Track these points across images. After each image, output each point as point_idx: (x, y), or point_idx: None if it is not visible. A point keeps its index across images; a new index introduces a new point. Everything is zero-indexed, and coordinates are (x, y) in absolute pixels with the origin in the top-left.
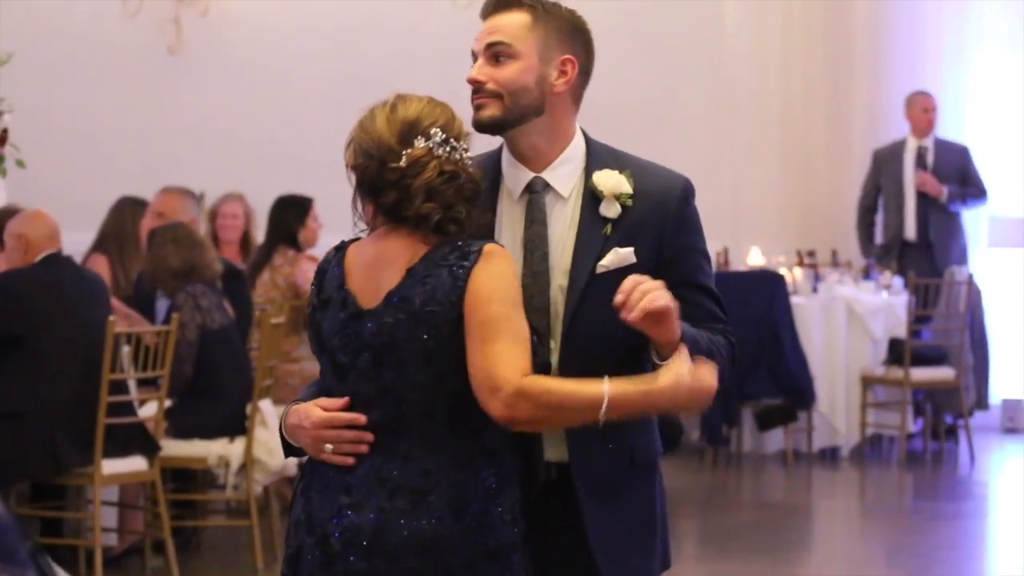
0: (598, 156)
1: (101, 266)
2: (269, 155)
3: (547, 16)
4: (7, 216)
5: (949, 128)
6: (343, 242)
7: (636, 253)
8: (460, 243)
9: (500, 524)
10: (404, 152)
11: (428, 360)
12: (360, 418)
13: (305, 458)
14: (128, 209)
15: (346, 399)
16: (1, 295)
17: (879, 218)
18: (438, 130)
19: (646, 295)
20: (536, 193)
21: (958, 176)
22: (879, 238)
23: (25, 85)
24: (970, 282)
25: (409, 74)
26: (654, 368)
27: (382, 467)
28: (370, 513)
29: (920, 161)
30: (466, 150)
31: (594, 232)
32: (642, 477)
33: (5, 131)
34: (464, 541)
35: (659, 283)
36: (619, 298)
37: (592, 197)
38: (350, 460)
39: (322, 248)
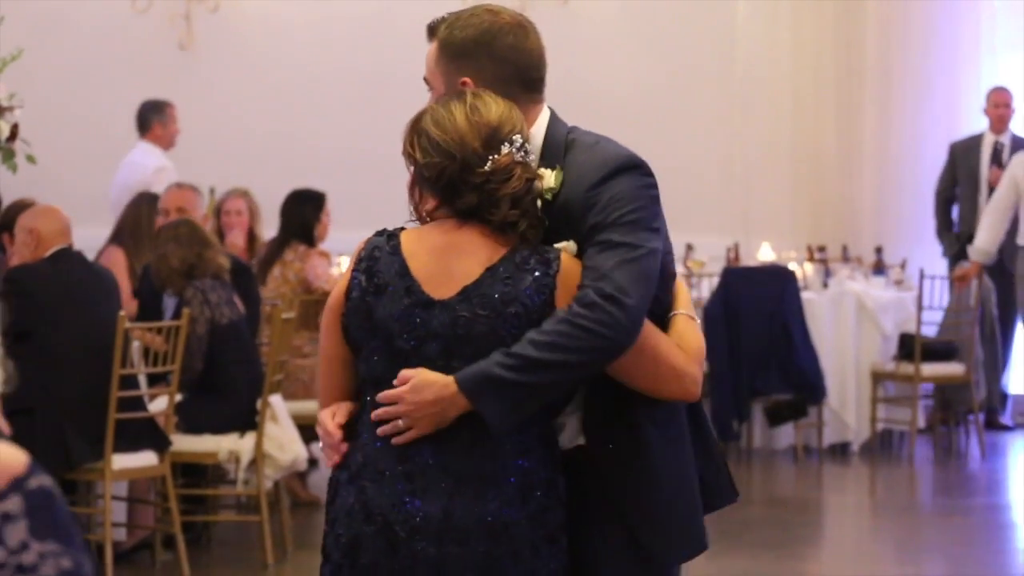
0: (551, 152)
1: (118, 258)
2: (279, 150)
3: (448, 40)
4: (20, 209)
5: (960, 128)
6: (387, 230)
7: (573, 238)
8: (537, 248)
9: (557, 508)
10: (490, 157)
11: None
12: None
13: (346, 453)
14: (146, 205)
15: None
16: (11, 290)
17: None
18: (518, 136)
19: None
20: None
21: None
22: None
23: (36, 81)
24: (980, 276)
25: (419, 70)
26: None
27: (445, 455)
28: (437, 500)
29: (995, 157)
30: (532, 155)
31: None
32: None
33: (16, 126)
34: (530, 525)
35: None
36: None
37: None
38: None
39: (332, 242)
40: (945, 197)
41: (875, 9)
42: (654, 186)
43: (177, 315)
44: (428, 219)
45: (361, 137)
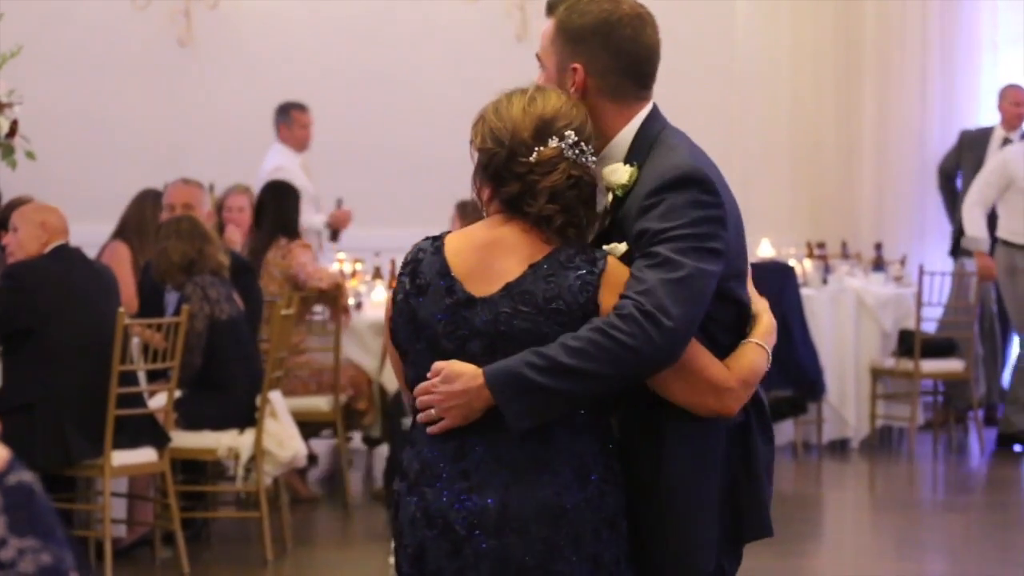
0: (638, 148)
1: (122, 254)
2: None
3: (566, 23)
4: (18, 207)
5: (960, 124)
6: (437, 235)
7: (627, 242)
8: (584, 248)
9: (615, 492)
10: (536, 148)
11: None
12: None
13: (403, 461)
14: (150, 201)
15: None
16: (12, 287)
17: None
18: (572, 132)
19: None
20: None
21: None
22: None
23: (35, 77)
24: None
25: (420, 67)
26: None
27: (498, 446)
28: (493, 492)
29: None
30: (593, 154)
31: (602, 225)
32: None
33: (15, 123)
34: (589, 509)
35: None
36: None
37: None
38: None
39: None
40: (948, 174)
41: (874, 5)
42: (716, 205)
43: (179, 311)
44: (486, 209)
45: (359, 135)
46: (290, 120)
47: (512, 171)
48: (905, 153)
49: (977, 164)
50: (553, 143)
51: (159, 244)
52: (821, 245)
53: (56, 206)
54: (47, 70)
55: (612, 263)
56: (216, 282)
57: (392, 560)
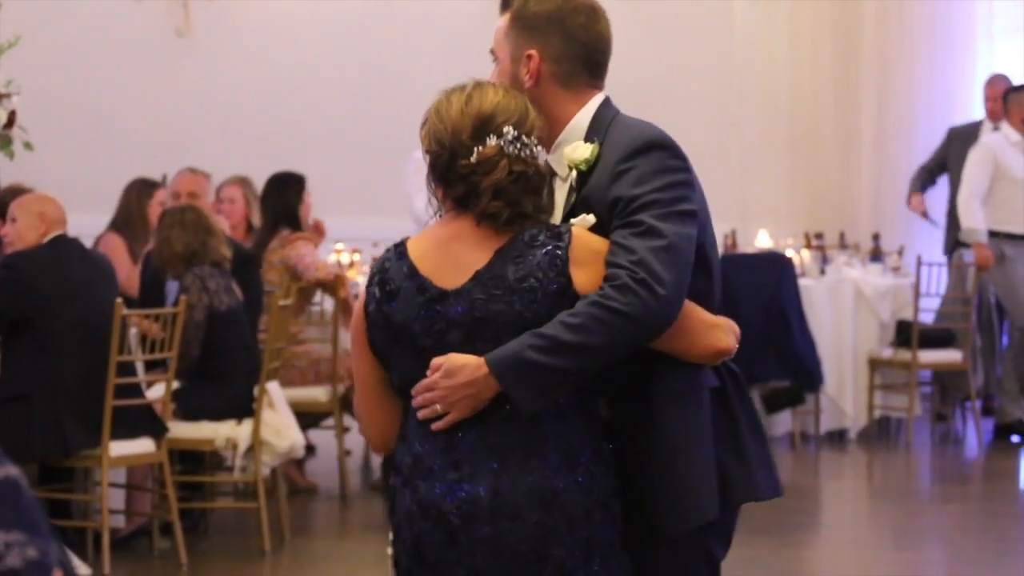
0: (594, 130)
1: (117, 244)
2: (276, 137)
3: (522, 12)
4: (15, 194)
5: (957, 115)
6: (398, 242)
7: (596, 214)
8: (548, 226)
9: (606, 474)
10: (476, 148)
11: (524, 331)
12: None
13: (396, 456)
14: (135, 191)
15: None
16: (10, 277)
17: (945, 196)
18: (510, 128)
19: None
20: (552, 176)
21: None
22: (939, 216)
23: (33, 67)
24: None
25: (417, 59)
26: None
27: (487, 435)
28: (484, 480)
29: None
30: (536, 144)
31: (568, 203)
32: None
33: (13, 113)
34: (580, 491)
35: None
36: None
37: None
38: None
39: (327, 228)
40: (929, 168)
41: None
42: (686, 169)
43: (178, 301)
44: (440, 208)
45: (357, 125)
46: None
47: (456, 172)
48: (903, 144)
49: (964, 160)
50: (492, 141)
51: (161, 232)
52: (819, 236)
53: (54, 196)
54: (45, 60)
55: (577, 235)
56: (215, 273)
57: (390, 551)
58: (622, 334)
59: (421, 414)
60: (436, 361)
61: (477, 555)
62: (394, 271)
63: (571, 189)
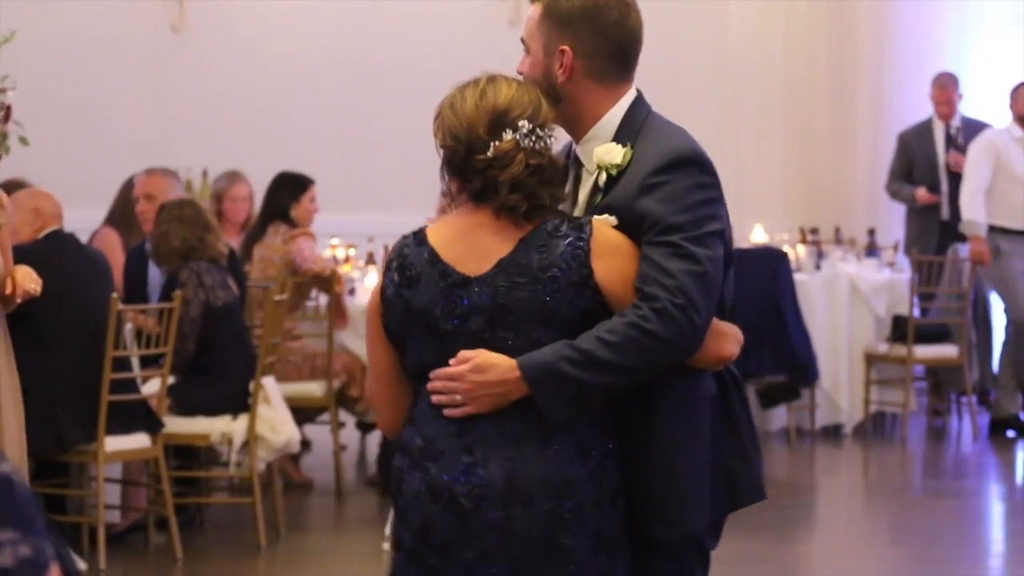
0: (626, 130)
1: (112, 239)
2: (271, 133)
3: (553, 6)
4: (12, 188)
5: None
6: (416, 230)
7: (619, 219)
8: (568, 216)
9: (614, 467)
10: (492, 143)
11: (547, 321)
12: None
13: (403, 437)
14: (130, 188)
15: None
16: None
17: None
18: (525, 122)
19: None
20: (576, 168)
21: None
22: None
23: (29, 62)
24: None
25: (412, 55)
26: None
27: (501, 422)
28: (499, 465)
29: (951, 141)
30: (551, 135)
31: (592, 203)
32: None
33: (8, 108)
34: (591, 483)
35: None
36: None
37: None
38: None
39: (324, 224)
40: (899, 176)
41: None
42: (716, 185)
43: (164, 297)
44: (456, 199)
45: (352, 120)
46: None
47: (473, 167)
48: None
49: (928, 159)
50: (508, 135)
51: (159, 227)
52: (814, 231)
53: (50, 191)
54: (41, 56)
55: (599, 228)
56: (212, 268)
57: (387, 546)
58: (656, 357)
59: (437, 399)
60: (465, 354)
61: (487, 539)
62: (413, 257)
63: (597, 188)
